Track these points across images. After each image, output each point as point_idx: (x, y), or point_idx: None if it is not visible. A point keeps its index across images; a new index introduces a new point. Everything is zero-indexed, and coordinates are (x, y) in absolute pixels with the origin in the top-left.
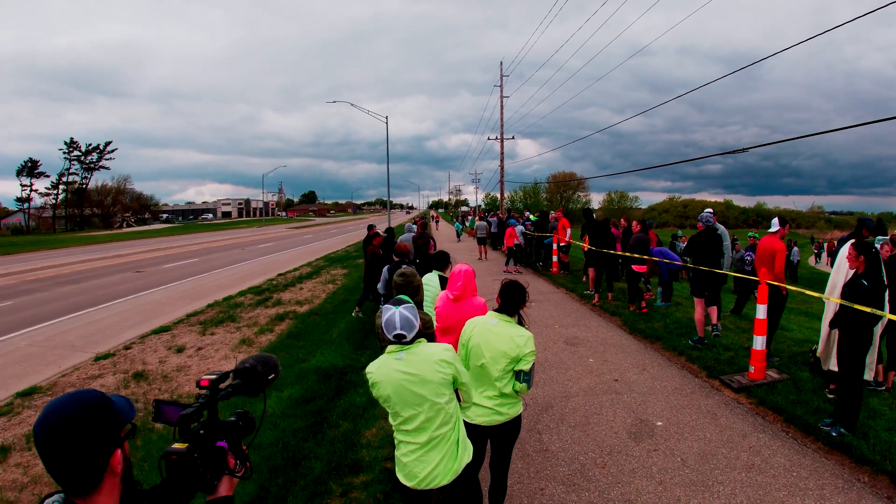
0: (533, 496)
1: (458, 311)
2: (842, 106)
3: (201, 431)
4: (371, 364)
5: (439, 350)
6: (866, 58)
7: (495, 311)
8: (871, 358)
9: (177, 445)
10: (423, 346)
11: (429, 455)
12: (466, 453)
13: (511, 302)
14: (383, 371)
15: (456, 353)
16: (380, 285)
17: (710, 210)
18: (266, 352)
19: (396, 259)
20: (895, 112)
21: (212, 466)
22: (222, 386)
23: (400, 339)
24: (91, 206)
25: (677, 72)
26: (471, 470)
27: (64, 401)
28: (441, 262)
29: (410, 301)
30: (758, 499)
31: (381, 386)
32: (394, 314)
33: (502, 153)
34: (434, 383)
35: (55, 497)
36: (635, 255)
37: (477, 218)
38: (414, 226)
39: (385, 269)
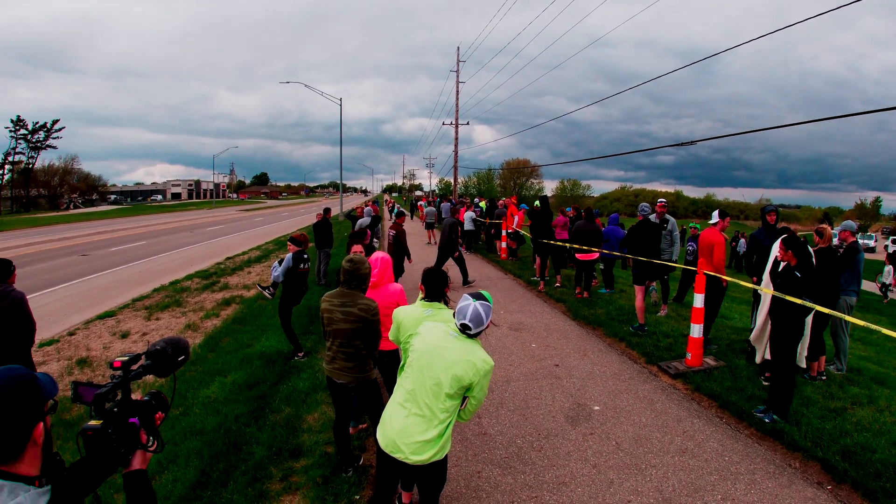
0: (470, 478)
1: (376, 297)
2: (794, 103)
3: (115, 409)
4: (430, 315)
5: (483, 356)
6: (821, 58)
7: (423, 299)
8: (803, 347)
9: (92, 422)
10: (475, 342)
11: (407, 419)
12: (443, 450)
13: (435, 288)
14: (432, 331)
15: (490, 373)
16: (278, 272)
17: (663, 200)
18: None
19: (296, 248)
20: (846, 111)
21: (125, 441)
22: (134, 367)
23: (464, 330)
24: (37, 186)
25: (636, 64)
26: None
27: None
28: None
29: (490, 300)
30: (689, 482)
31: (421, 339)
32: (468, 305)
33: (456, 138)
34: (455, 375)
35: None
36: (575, 246)
37: (426, 203)
38: (371, 210)
39: (289, 256)
